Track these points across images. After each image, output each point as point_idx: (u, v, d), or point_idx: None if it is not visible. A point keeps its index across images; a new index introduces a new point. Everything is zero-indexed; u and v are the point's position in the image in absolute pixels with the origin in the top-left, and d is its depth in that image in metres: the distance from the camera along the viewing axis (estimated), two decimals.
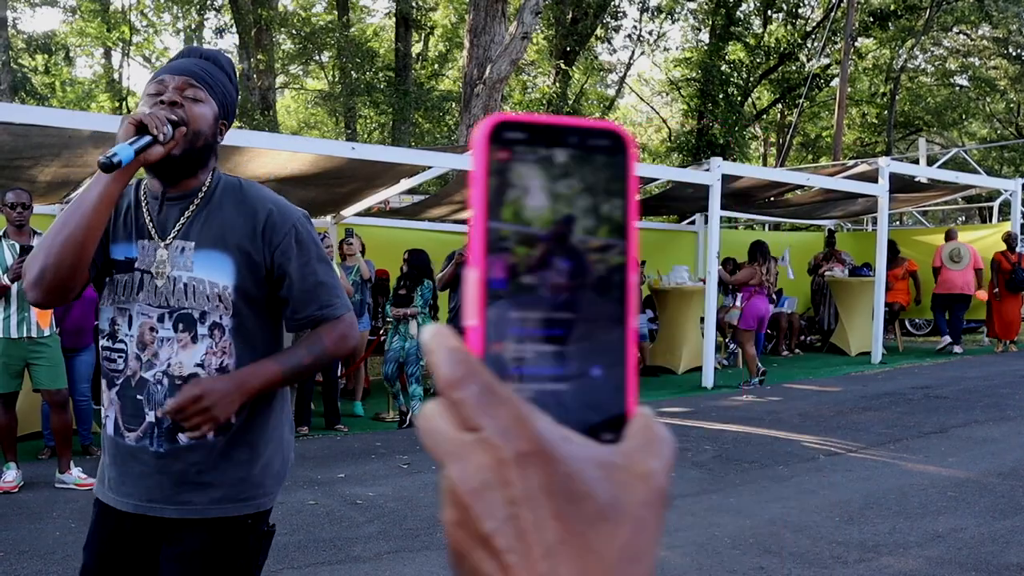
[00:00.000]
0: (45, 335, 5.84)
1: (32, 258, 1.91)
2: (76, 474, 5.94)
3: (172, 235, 1.99)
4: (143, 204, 2.04)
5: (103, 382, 2.05)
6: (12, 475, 5.87)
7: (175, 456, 1.97)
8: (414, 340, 8.15)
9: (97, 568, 2.10)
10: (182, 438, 1.95)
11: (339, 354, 2.06)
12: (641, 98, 35.98)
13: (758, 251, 10.66)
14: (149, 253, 1.99)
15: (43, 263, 1.87)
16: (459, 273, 7.38)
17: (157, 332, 1.96)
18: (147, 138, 1.83)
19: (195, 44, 29.23)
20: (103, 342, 2.04)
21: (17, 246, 5.77)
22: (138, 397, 1.97)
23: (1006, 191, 15.22)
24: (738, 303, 10.83)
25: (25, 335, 5.77)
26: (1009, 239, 13.23)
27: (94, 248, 1.89)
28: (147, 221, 2.01)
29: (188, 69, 2.00)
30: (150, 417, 1.97)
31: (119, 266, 2.01)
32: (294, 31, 22.04)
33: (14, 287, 5.72)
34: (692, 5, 26.70)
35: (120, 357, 2.00)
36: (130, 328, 1.98)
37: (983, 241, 14.20)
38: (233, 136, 8.76)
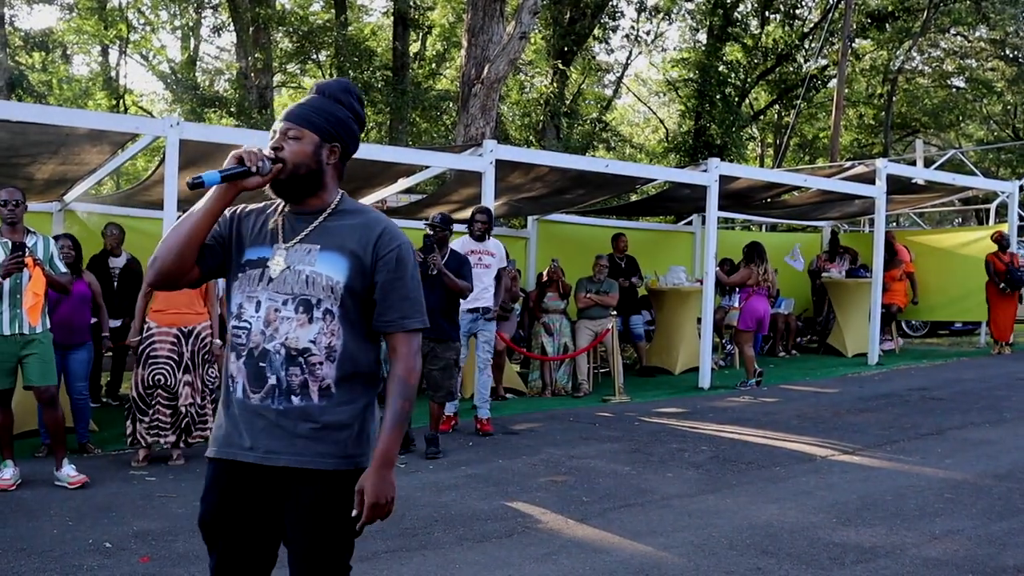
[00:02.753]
0: (37, 331, 5.81)
1: (157, 246, 2.45)
2: (67, 472, 5.91)
3: (299, 239, 2.46)
4: (282, 218, 2.51)
5: (231, 355, 2.47)
6: (9, 473, 5.86)
7: (289, 414, 2.39)
8: None
9: (214, 517, 2.48)
10: (294, 400, 2.39)
11: (416, 383, 2.45)
12: (638, 98, 36.00)
13: (754, 252, 10.68)
14: (278, 253, 2.45)
15: (156, 253, 2.42)
16: None
17: (280, 312, 2.40)
18: (240, 168, 2.37)
19: (193, 43, 29.19)
20: (232, 322, 2.48)
21: (10, 243, 5.75)
22: (260, 364, 2.40)
23: (1003, 193, 15.24)
24: (737, 304, 10.85)
25: (17, 331, 5.76)
26: (1001, 239, 13.22)
27: (194, 248, 2.41)
28: (281, 230, 2.49)
29: (292, 113, 2.47)
30: (272, 380, 2.40)
31: (251, 264, 2.48)
32: (292, 30, 21.95)
33: (6, 284, 5.70)
34: (690, 5, 26.71)
35: (244, 333, 2.43)
36: (257, 311, 2.43)
37: (979, 243, 14.19)
38: (230, 135, 8.75)
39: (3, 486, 5.77)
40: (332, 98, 2.51)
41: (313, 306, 2.40)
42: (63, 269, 6.12)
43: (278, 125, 2.49)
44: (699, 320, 11.39)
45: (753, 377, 10.52)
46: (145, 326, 6.55)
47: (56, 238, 7.30)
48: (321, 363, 2.39)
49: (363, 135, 2.66)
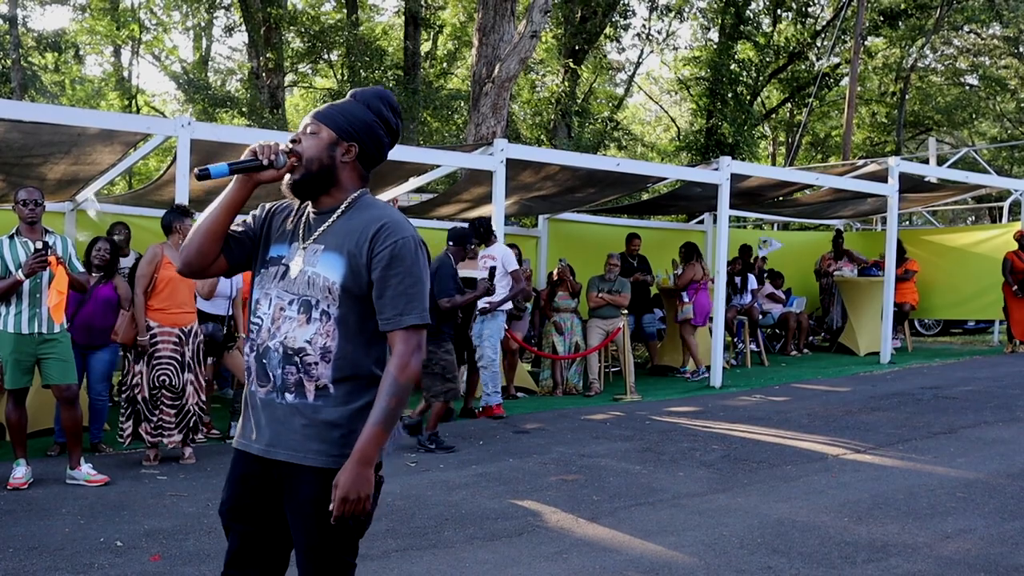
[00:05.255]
0: (56, 331, 5.84)
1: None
2: (86, 470, 5.95)
3: (312, 239, 2.47)
4: (303, 217, 2.54)
5: (247, 348, 2.53)
6: (22, 472, 5.88)
7: (287, 409, 2.44)
8: None
9: (232, 502, 2.55)
10: (288, 397, 2.43)
11: (409, 381, 2.39)
12: (650, 97, 35.94)
13: (694, 251, 11.34)
14: (293, 252, 2.49)
15: (186, 242, 2.50)
16: None
17: (285, 311, 2.45)
18: (252, 161, 2.41)
19: (205, 43, 29.29)
20: (250, 316, 2.56)
21: (30, 243, 5.77)
22: (263, 361, 2.47)
23: (1016, 191, 15.15)
24: (686, 299, 11.15)
25: (36, 331, 5.78)
26: (1022, 238, 13.08)
27: (214, 241, 2.48)
28: (300, 229, 2.52)
29: (315, 111, 2.52)
30: (271, 377, 2.45)
31: (271, 261, 2.53)
32: (303, 30, 22.00)
33: (26, 284, 5.73)
34: (701, 4, 26.68)
35: (256, 329, 2.50)
36: (268, 308, 2.48)
37: (992, 241, 14.12)
38: (241, 135, 8.77)
39: (16, 485, 5.80)
40: (362, 102, 2.54)
41: (312, 307, 2.42)
42: (80, 268, 6.15)
43: (304, 121, 2.53)
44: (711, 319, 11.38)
45: (703, 366, 11.19)
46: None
47: (95, 240, 7.33)
48: (316, 363, 2.41)
49: None
